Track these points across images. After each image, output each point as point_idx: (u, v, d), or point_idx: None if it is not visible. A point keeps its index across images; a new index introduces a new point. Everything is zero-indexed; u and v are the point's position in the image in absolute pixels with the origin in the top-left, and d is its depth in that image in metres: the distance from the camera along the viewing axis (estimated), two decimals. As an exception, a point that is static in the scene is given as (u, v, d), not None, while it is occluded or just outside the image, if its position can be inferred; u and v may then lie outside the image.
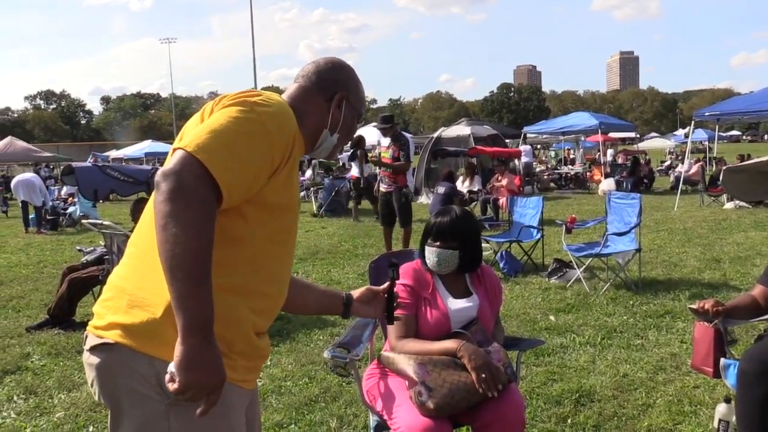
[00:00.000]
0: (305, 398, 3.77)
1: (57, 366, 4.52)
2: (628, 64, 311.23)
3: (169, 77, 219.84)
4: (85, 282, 5.54)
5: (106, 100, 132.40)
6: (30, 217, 12.82)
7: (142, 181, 6.25)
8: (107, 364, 1.43)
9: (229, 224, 1.43)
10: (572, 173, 20.32)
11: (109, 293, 1.49)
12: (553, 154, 33.88)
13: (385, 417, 2.41)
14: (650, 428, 3.30)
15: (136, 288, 1.44)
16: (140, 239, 1.51)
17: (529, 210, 7.86)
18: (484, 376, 2.26)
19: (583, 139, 27.09)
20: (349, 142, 8.14)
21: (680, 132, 44.95)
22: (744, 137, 71.54)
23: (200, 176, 1.31)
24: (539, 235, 7.58)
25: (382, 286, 2.00)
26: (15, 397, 3.97)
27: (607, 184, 16.36)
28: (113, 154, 34.46)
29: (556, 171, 21.69)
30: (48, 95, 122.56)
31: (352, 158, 13.07)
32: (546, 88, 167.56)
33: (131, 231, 5.18)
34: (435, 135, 18.10)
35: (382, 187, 8.07)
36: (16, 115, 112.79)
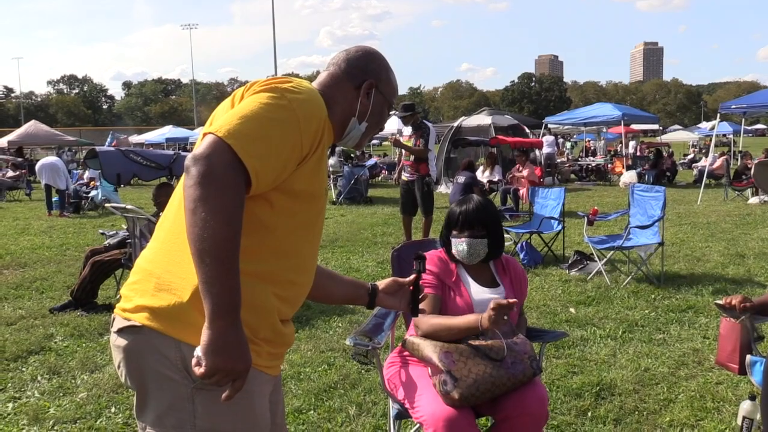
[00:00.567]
0: (324, 385, 3.79)
1: (80, 347, 4.58)
2: (652, 55, 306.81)
3: (190, 63, 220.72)
4: (107, 265, 5.60)
5: (127, 85, 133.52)
6: (53, 200, 12.98)
7: (165, 166, 6.28)
8: (134, 347, 1.44)
9: (257, 211, 1.42)
10: (593, 165, 20.10)
11: (136, 276, 1.50)
12: (569, 145, 33.52)
13: (407, 405, 2.41)
14: (672, 423, 3.27)
15: (164, 271, 1.44)
16: (168, 223, 1.51)
17: (550, 201, 7.79)
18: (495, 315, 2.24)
19: (604, 130, 26.82)
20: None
21: (704, 125, 44.21)
22: (769, 131, 70.28)
23: (230, 162, 1.30)
24: (560, 227, 7.51)
25: (407, 279, 1.98)
26: (39, 377, 4.03)
27: (628, 177, 16.17)
28: (135, 138, 34.73)
29: (577, 162, 21.47)
30: (71, 80, 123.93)
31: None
32: (568, 78, 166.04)
33: (153, 215, 5.24)
34: (455, 124, 17.99)
35: (404, 176, 8.04)
36: (39, 100, 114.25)
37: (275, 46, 47.26)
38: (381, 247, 8.37)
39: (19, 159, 20.18)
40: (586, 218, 7.14)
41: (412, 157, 7.80)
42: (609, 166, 19.89)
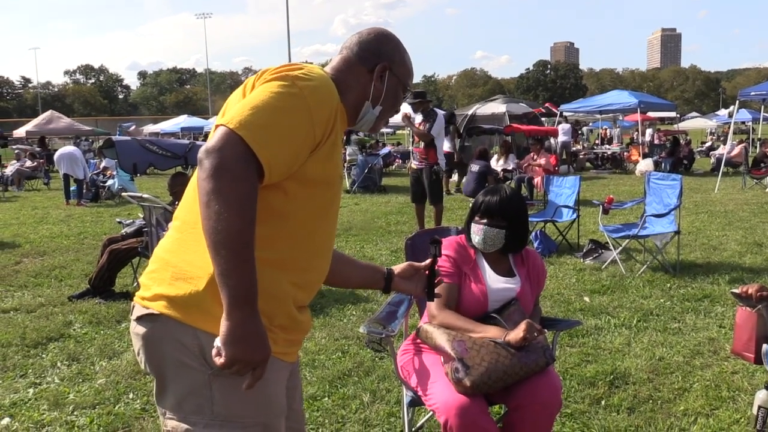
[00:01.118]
0: (338, 372, 3.82)
1: (98, 334, 4.65)
2: (670, 42, 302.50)
3: (205, 52, 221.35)
4: (124, 254, 5.66)
5: (143, 75, 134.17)
6: (71, 189, 13.13)
7: (180, 156, 6.31)
8: (152, 334, 1.46)
9: (271, 200, 1.43)
10: (609, 153, 19.93)
11: (154, 265, 1.52)
12: (585, 130, 33.11)
13: (420, 393, 2.42)
14: (686, 412, 3.26)
15: (180, 261, 1.46)
16: (184, 213, 1.52)
17: (565, 189, 7.75)
18: (529, 335, 2.25)
19: (621, 118, 26.53)
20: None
21: (722, 112, 43.59)
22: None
23: (242, 153, 1.31)
24: (575, 215, 7.48)
25: (424, 263, 1.96)
26: (59, 363, 4.10)
27: (645, 165, 16.02)
28: (150, 128, 34.93)
29: (592, 150, 21.29)
30: (87, 70, 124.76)
31: (446, 133, 13.27)
32: (583, 65, 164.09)
33: (169, 204, 5.28)
34: (469, 112, 17.90)
35: (413, 164, 8.02)
36: (56, 90, 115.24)
37: (289, 34, 47.26)
38: (395, 236, 8.38)
39: (38, 149, 20.39)
40: (601, 207, 7.09)
41: (421, 144, 7.77)
42: (625, 154, 19.71)
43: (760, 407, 2.99)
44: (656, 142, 22.46)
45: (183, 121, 34.26)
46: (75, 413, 3.39)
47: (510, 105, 17.83)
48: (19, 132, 26.92)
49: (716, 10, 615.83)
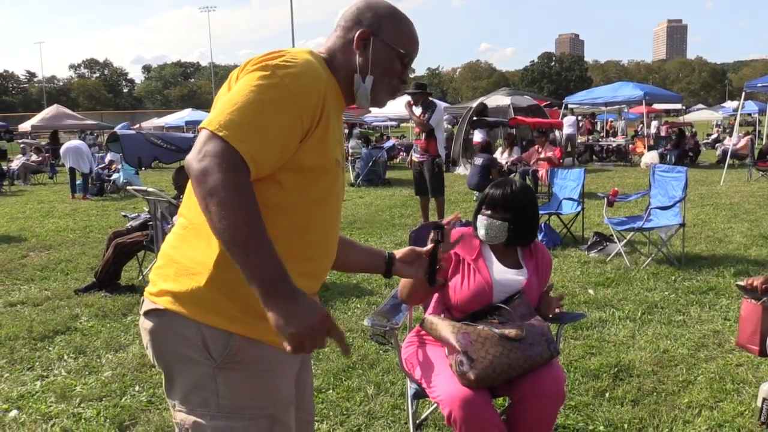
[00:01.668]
0: (343, 365, 3.83)
1: (104, 327, 4.68)
2: (676, 33, 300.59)
3: (209, 46, 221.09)
4: (130, 247, 5.68)
5: (147, 68, 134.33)
6: (77, 183, 13.17)
7: (185, 149, 6.33)
8: (159, 329, 1.48)
9: (267, 193, 1.42)
10: (614, 145, 19.85)
11: (161, 261, 1.54)
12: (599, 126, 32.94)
13: (424, 385, 2.43)
14: (690, 405, 3.26)
15: (183, 257, 1.47)
16: (185, 209, 1.53)
17: (569, 182, 7.74)
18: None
19: (626, 110, 26.42)
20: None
21: (728, 104, 43.38)
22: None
23: (224, 152, 1.31)
24: (579, 208, 7.46)
25: (426, 248, 1.94)
26: (65, 356, 4.13)
27: (650, 157, 15.95)
28: (155, 122, 34.96)
29: (597, 143, 21.21)
30: (91, 64, 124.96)
31: (475, 126, 13.32)
32: (588, 57, 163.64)
33: (174, 198, 5.30)
34: (474, 105, 17.85)
35: (415, 157, 8.01)
36: (61, 84, 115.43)
37: (293, 27, 47.07)
38: (399, 229, 8.39)
39: (43, 144, 20.45)
40: (606, 199, 7.08)
41: (422, 136, 7.77)
42: (630, 146, 19.63)
43: (764, 399, 3.00)
44: (662, 134, 22.37)
45: (187, 114, 34.26)
46: (82, 405, 3.42)
47: (514, 97, 17.76)
48: (25, 126, 27.00)
49: (723, 1, 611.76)
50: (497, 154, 11.99)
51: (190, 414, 1.46)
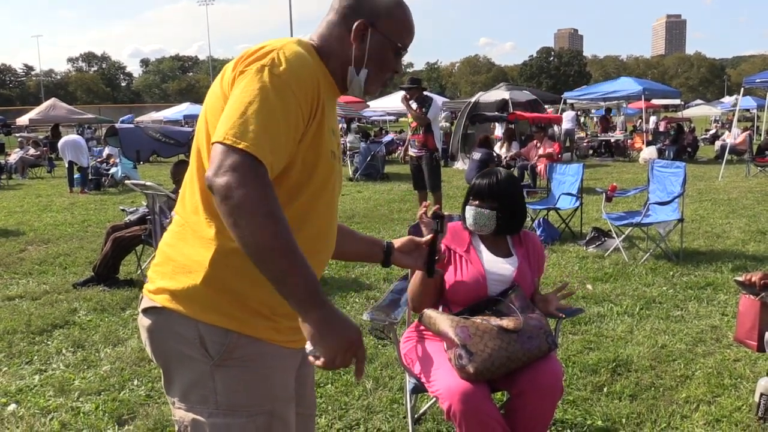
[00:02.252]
0: (342, 359, 3.82)
1: (102, 321, 4.67)
2: (675, 28, 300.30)
3: (207, 40, 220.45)
4: (128, 241, 5.68)
5: (145, 62, 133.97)
6: (75, 177, 13.15)
7: (183, 143, 6.33)
8: (156, 327, 1.47)
9: None
10: (613, 141, 19.84)
11: (158, 258, 1.53)
12: (595, 119, 32.93)
13: (423, 379, 2.43)
14: (688, 399, 3.27)
15: (179, 254, 1.46)
16: (181, 206, 1.52)
17: (568, 177, 7.73)
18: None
19: (624, 105, 26.38)
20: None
21: (727, 99, 43.30)
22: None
23: (246, 163, 1.28)
24: (578, 203, 7.47)
25: (425, 238, 1.92)
26: (64, 350, 4.13)
27: (648, 153, 15.96)
28: (153, 116, 34.89)
29: (596, 138, 21.20)
30: (89, 57, 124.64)
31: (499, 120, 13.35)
32: (587, 52, 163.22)
33: (172, 192, 5.29)
34: (472, 100, 17.83)
35: (412, 152, 8.03)
36: (59, 77, 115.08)
37: (291, 21, 46.97)
38: (398, 224, 8.39)
39: (41, 137, 20.41)
40: (604, 194, 7.08)
41: (420, 131, 7.78)
42: (629, 141, 19.63)
43: (762, 395, 3.01)
44: (661, 129, 22.35)
45: (186, 108, 34.22)
46: (80, 399, 3.42)
47: (513, 92, 17.73)
48: (23, 120, 26.94)
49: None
50: (496, 149, 11.97)
51: (189, 411, 1.46)
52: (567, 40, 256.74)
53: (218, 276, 1.41)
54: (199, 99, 60.84)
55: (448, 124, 18.19)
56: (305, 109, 1.40)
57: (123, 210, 6.60)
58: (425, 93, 7.93)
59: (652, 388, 3.41)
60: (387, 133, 23.32)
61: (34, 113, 26.09)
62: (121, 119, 28.83)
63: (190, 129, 7.09)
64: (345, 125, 18.70)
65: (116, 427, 3.13)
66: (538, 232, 7.12)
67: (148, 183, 5.55)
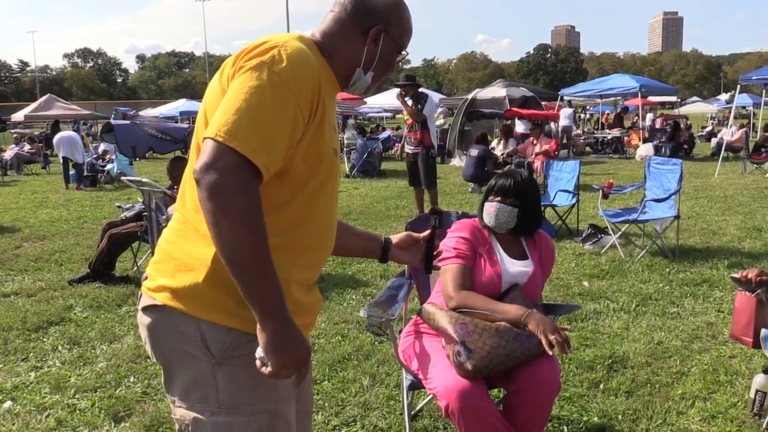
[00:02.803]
0: (338, 356, 3.83)
1: (98, 318, 4.66)
2: (672, 25, 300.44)
3: (204, 36, 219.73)
4: (124, 238, 5.66)
5: (141, 58, 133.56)
6: (70, 173, 13.11)
7: (179, 139, 6.32)
8: (157, 325, 1.46)
9: (267, 190, 1.38)
10: (609, 137, 19.86)
11: (158, 256, 1.52)
12: (586, 116, 32.88)
13: (420, 376, 2.43)
14: (684, 396, 3.28)
15: (180, 252, 1.45)
16: (181, 204, 1.50)
17: (565, 174, 7.75)
18: (554, 338, 2.21)
19: (621, 102, 26.42)
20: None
21: (723, 96, 43.39)
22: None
23: (237, 164, 1.26)
24: (574, 200, 7.47)
25: (423, 234, 1.91)
26: (60, 347, 4.12)
27: (645, 150, 15.97)
28: (149, 112, 34.78)
29: (592, 135, 21.22)
30: (85, 53, 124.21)
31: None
32: (584, 49, 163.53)
33: (168, 188, 5.28)
34: (469, 96, 17.82)
35: (408, 149, 8.03)
36: (54, 73, 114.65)
37: (288, 16, 46.81)
38: (395, 221, 8.38)
39: (36, 133, 20.34)
40: (601, 191, 7.08)
41: (416, 128, 7.79)
42: (625, 138, 19.65)
43: (757, 391, 3.02)
44: (657, 126, 22.37)
45: (182, 105, 34.07)
46: (76, 396, 3.41)
47: (510, 89, 17.73)
48: (18, 116, 26.83)
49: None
50: (493, 146, 11.98)
51: (190, 410, 1.45)
52: (564, 37, 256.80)
53: (220, 274, 1.38)
54: (195, 95, 60.73)
55: (443, 121, 18.19)
56: (305, 107, 1.38)
57: (119, 206, 6.58)
58: (420, 90, 7.94)
59: (648, 385, 3.42)
60: (384, 129, 23.29)
61: (29, 109, 25.99)
62: (117, 108, 28.72)
63: (186, 125, 7.07)
64: (342, 122, 18.68)
65: (112, 424, 3.12)
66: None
67: (145, 179, 5.53)
